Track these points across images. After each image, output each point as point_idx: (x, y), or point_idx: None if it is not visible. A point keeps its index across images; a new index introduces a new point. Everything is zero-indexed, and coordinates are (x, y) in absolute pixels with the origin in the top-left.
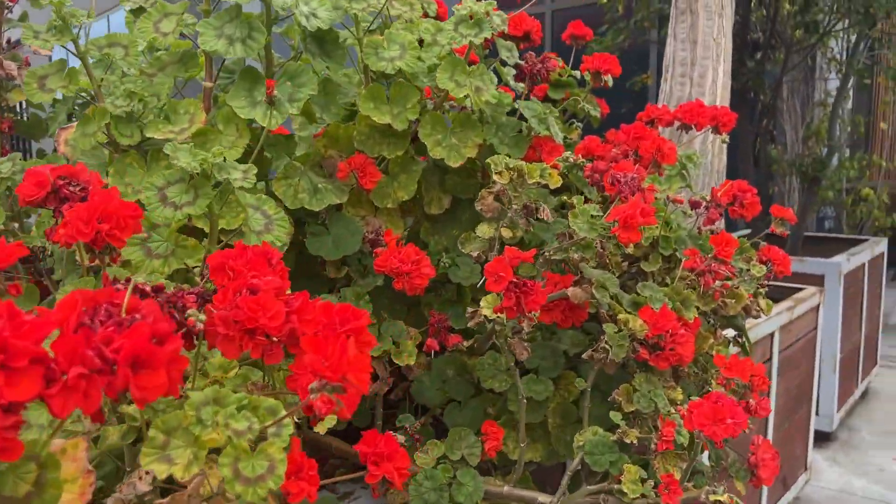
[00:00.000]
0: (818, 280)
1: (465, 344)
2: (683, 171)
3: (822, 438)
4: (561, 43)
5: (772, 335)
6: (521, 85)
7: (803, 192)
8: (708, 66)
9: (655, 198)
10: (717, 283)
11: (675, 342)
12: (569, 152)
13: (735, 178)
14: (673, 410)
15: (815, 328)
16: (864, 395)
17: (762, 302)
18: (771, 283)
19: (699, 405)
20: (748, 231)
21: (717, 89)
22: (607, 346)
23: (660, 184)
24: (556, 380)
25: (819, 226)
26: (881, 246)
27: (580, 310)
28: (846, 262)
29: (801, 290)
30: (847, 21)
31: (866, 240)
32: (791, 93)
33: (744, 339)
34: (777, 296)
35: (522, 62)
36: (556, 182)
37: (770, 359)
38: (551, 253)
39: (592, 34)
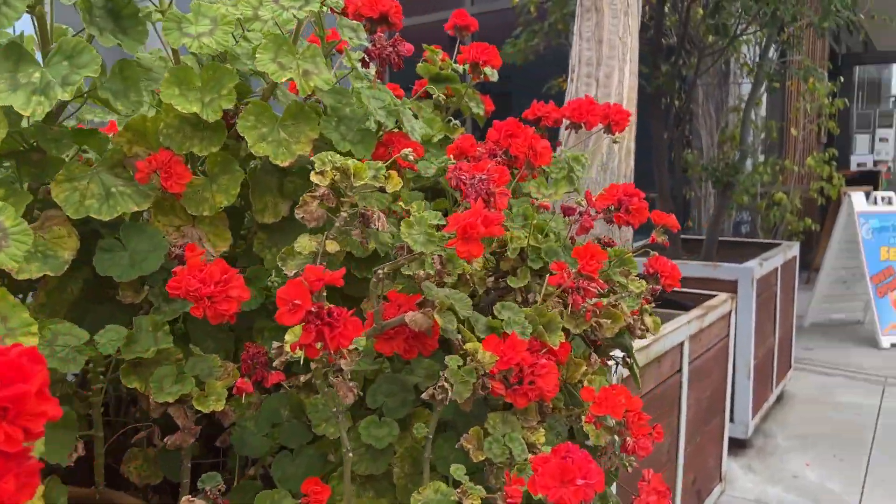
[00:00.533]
0: (731, 286)
1: (303, 378)
2: (571, 175)
3: (738, 445)
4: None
5: (681, 345)
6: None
7: (718, 197)
8: (614, 66)
9: (539, 204)
10: (592, 300)
11: (535, 374)
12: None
13: (650, 183)
14: (529, 459)
15: (728, 335)
16: (780, 398)
17: (648, 320)
18: (684, 290)
19: (545, 461)
20: (642, 242)
21: (623, 90)
22: (447, 385)
23: (545, 188)
24: (405, 420)
25: (737, 230)
26: (793, 250)
27: (426, 338)
28: (758, 267)
29: (714, 296)
30: (756, 25)
31: (779, 244)
32: (706, 98)
33: (632, 360)
34: (690, 303)
35: (370, 45)
36: (395, 184)
37: (680, 370)
38: (384, 271)
39: (477, 25)
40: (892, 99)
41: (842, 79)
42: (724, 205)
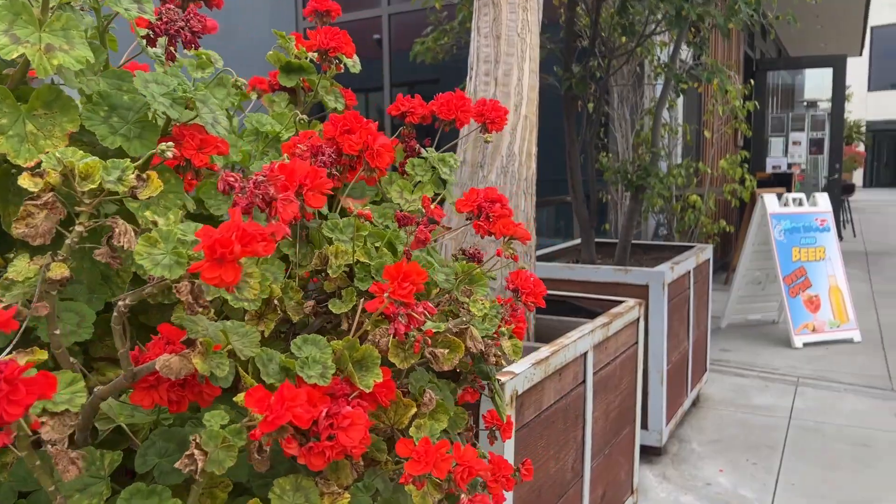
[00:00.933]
0: (643, 290)
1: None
2: (438, 178)
3: (653, 453)
4: (400, 48)
5: (584, 356)
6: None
7: (630, 200)
8: (513, 64)
9: (407, 210)
10: (432, 324)
11: (336, 426)
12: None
13: (563, 186)
14: None
15: (636, 343)
16: (696, 402)
17: (507, 344)
18: (593, 296)
19: None
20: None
21: (523, 90)
22: (197, 454)
23: (409, 192)
24: (185, 486)
25: (657, 233)
26: (706, 252)
27: (202, 385)
28: (670, 271)
29: (621, 302)
30: (662, 24)
31: (693, 247)
32: (621, 100)
33: (495, 392)
34: (598, 310)
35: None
36: (153, 188)
37: (584, 381)
38: (124, 302)
39: (340, 10)
40: (804, 103)
41: (752, 81)
42: (636, 208)
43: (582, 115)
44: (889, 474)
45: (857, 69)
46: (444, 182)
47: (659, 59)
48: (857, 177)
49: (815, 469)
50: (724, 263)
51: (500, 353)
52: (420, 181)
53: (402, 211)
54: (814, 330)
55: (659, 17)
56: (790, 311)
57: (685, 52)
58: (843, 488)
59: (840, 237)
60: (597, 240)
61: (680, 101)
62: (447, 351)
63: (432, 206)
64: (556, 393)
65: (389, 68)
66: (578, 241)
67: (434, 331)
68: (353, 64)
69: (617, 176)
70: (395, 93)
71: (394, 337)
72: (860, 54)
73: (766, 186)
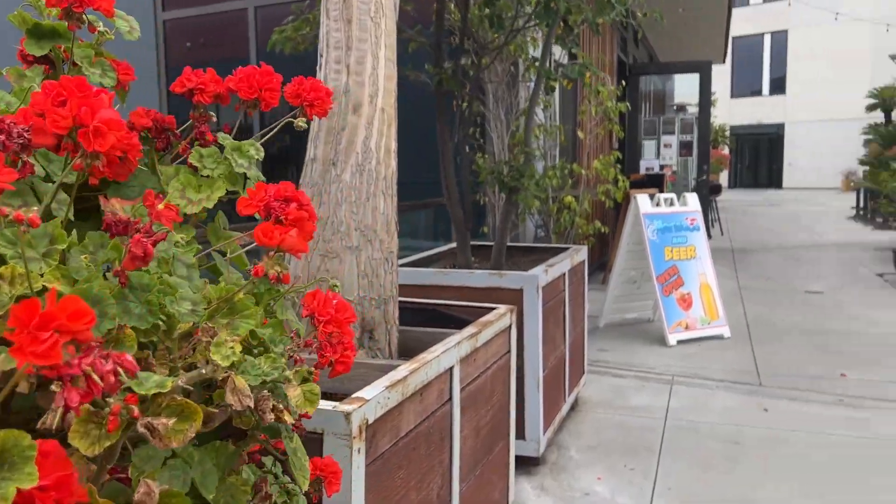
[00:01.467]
0: (517, 294)
1: None
2: (237, 171)
3: (531, 463)
4: (264, 42)
5: (450, 371)
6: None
7: (504, 202)
8: (366, 50)
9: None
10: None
11: None
12: None
13: (438, 188)
14: None
15: (509, 351)
16: (574, 406)
17: (296, 393)
18: (464, 303)
19: None
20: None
21: (378, 79)
22: None
23: (193, 190)
24: None
25: (537, 235)
26: (581, 254)
27: None
28: (544, 274)
29: (493, 309)
30: (532, 19)
31: (568, 248)
32: (496, 100)
33: (290, 456)
34: (470, 319)
35: None
36: None
37: (450, 398)
38: None
39: None
40: (674, 107)
41: (624, 83)
42: (510, 210)
43: (457, 115)
44: (756, 470)
45: (722, 77)
46: (245, 177)
47: (532, 57)
48: (724, 178)
49: (690, 470)
50: (602, 263)
51: (283, 406)
52: (209, 175)
53: (183, 212)
54: (687, 327)
55: (528, 10)
56: (664, 309)
57: (559, 53)
58: (715, 487)
59: (709, 235)
60: (476, 243)
61: (556, 102)
62: (175, 420)
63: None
64: (417, 415)
65: (257, 65)
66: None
67: (154, 391)
68: (129, 29)
69: (492, 177)
70: None
71: (69, 412)
72: (724, 62)
73: (639, 187)
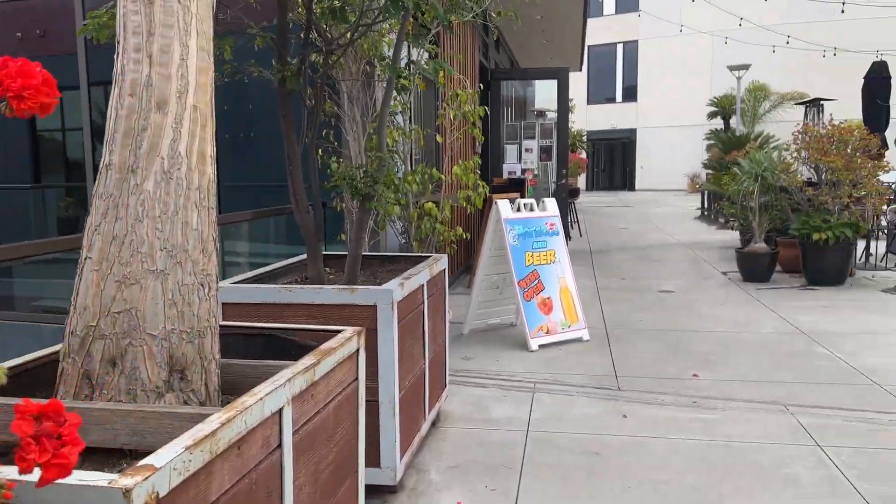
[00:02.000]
0: (371, 311)
1: None
2: None
3: (388, 491)
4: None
5: (279, 413)
6: None
7: (358, 210)
8: (173, 38)
9: None
10: None
11: None
12: None
13: (284, 195)
14: None
15: (357, 379)
16: (435, 422)
17: None
18: (306, 326)
19: None
20: None
21: (189, 73)
22: None
23: None
24: None
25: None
26: (441, 263)
27: None
28: (399, 288)
29: (339, 332)
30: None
31: (428, 257)
32: (351, 101)
33: None
34: (314, 343)
35: None
36: None
37: (280, 445)
38: None
39: None
40: (535, 112)
41: (482, 86)
42: (364, 218)
43: (304, 115)
44: (617, 484)
45: (579, 84)
46: None
47: (387, 56)
48: (582, 181)
49: (552, 486)
50: (469, 266)
51: None
52: None
53: None
54: (548, 332)
55: (377, 5)
56: (525, 314)
57: (418, 54)
58: None
59: (569, 237)
60: (336, 252)
61: (418, 105)
62: None
63: None
64: (234, 473)
65: (86, 63)
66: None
67: None
68: None
69: (344, 183)
70: (95, 94)
71: None
72: (580, 69)
73: (503, 191)
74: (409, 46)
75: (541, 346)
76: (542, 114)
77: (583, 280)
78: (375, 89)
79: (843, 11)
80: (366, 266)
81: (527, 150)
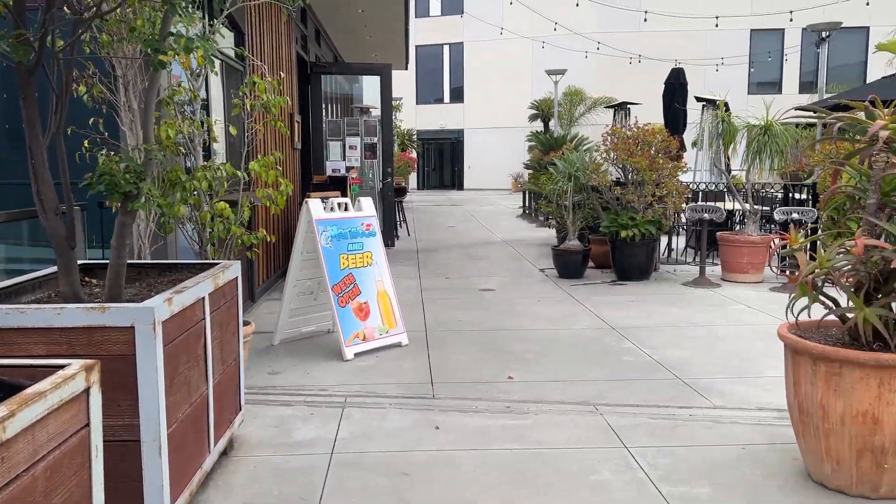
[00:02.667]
0: (128, 334)
1: None
2: None
3: None
4: None
5: None
6: None
7: (119, 212)
8: None
9: None
10: None
11: None
12: None
13: (28, 197)
14: None
15: (88, 425)
16: (227, 451)
17: None
18: (20, 362)
19: None
20: None
21: None
22: None
23: None
24: None
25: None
26: (232, 270)
27: None
28: (165, 305)
29: (59, 368)
30: None
31: (215, 264)
32: (126, 85)
33: None
34: (28, 381)
35: None
36: None
37: None
38: None
39: None
40: (357, 108)
41: (281, 74)
42: (126, 222)
43: (52, 100)
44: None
45: (407, 84)
46: None
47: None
48: (413, 180)
49: None
50: (285, 272)
51: None
52: None
53: None
54: (364, 338)
55: None
56: (340, 321)
57: (207, 32)
58: None
59: (397, 237)
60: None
61: (218, 94)
62: None
63: None
64: None
65: None
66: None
67: None
68: None
69: (105, 179)
70: None
71: None
72: (406, 68)
73: (323, 190)
74: (205, 27)
75: (356, 355)
76: (365, 111)
77: (407, 280)
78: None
79: (645, 20)
80: (143, 277)
81: (350, 147)
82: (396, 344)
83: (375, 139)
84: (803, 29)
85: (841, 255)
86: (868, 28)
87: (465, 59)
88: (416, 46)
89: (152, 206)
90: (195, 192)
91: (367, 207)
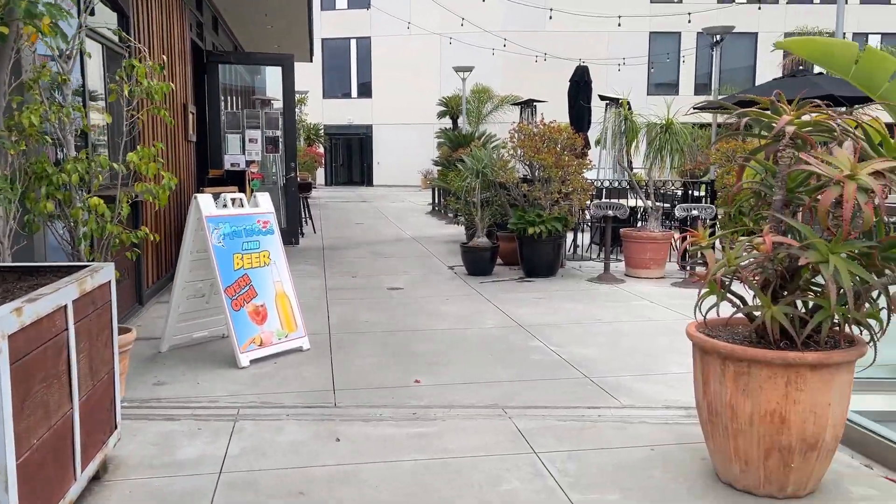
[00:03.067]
0: None
1: None
2: None
3: None
4: None
5: None
6: None
7: None
8: None
9: None
10: None
11: None
12: None
13: None
14: None
15: None
16: (99, 476)
17: None
18: None
19: None
20: None
21: None
22: None
23: None
24: None
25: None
26: (103, 274)
27: None
28: (13, 316)
29: None
30: None
31: (82, 267)
32: None
33: None
34: None
35: None
36: None
37: None
38: None
39: None
40: (258, 100)
41: (164, 58)
42: None
43: None
44: None
45: (314, 77)
46: None
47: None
48: (320, 175)
49: None
50: (164, 271)
51: None
52: None
53: None
54: (261, 344)
55: None
56: (234, 325)
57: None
58: None
59: (302, 234)
60: None
61: (99, 81)
62: None
63: None
64: None
65: None
66: None
67: None
68: None
69: None
70: None
71: None
72: (311, 60)
73: (219, 185)
74: (80, 7)
75: (253, 361)
76: (267, 103)
77: (312, 280)
78: (19, 52)
79: (550, 18)
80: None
81: (251, 140)
82: (297, 349)
83: (278, 132)
84: (699, 32)
85: (747, 253)
86: (757, 34)
87: (372, 53)
88: (323, 40)
89: (3, 203)
90: (64, 187)
91: (265, 204)
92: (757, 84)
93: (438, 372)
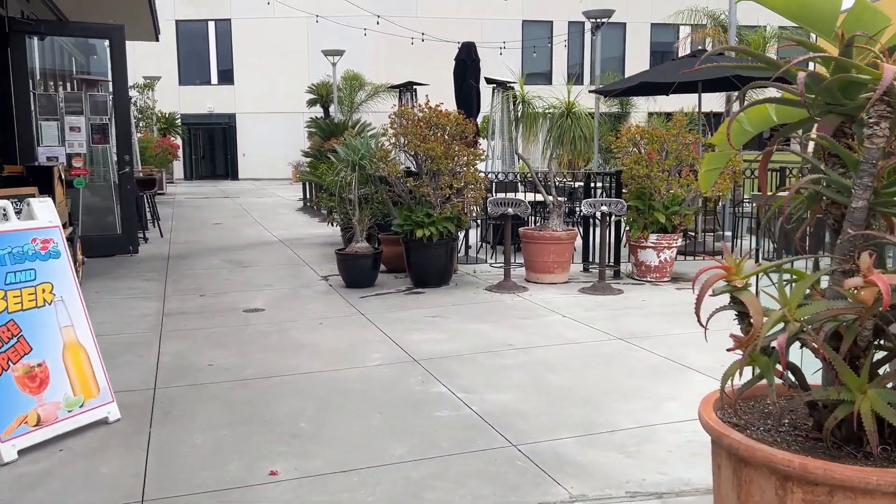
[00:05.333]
0: None
1: None
2: None
3: None
4: None
5: None
6: None
7: None
8: None
9: None
10: None
11: None
12: None
13: None
14: None
15: None
16: None
17: None
18: None
19: None
20: None
21: None
22: None
23: None
24: None
25: None
26: None
27: None
28: None
29: None
30: None
31: None
32: None
33: None
34: None
35: None
36: None
37: None
38: None
39: None
40: (81, 80)
41: None
42: None
43: None
44: None
45: (169, 61)
46: None
47: None
48: (178, 169)
49: None
50: None
51: None
52: None
53: None
54: (39, 422)
55: None
56: None
57: None
58: None
59: (144, 240)
60: None
61: None
62: None
63: None
64: None
65: None
66: None
67: None
68: None
69: None
70: None
71: None
72: (157, 39)
73: (16, 185)
74: None
75: (23, 452)
76: (93, 83)
77: (144, 303)
78: None
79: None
80: None
81: (72, 128)
82: (101, 421)
83: (106, 118)
84: (570, 22)
85: (820, 301)
86: (625, 24)
87: (233, 36)
88: (178, 21)
89: None
90: None
91: (45, 215)
92: (626, 75)
93: (306, 451)
